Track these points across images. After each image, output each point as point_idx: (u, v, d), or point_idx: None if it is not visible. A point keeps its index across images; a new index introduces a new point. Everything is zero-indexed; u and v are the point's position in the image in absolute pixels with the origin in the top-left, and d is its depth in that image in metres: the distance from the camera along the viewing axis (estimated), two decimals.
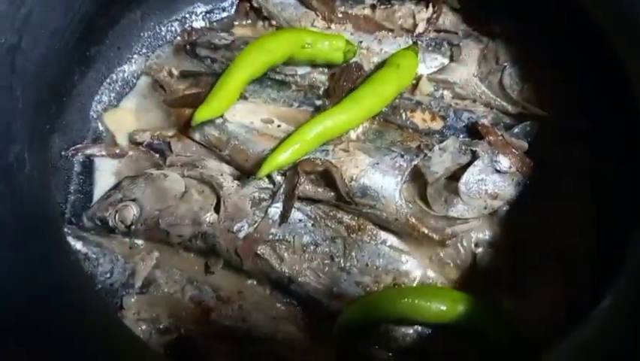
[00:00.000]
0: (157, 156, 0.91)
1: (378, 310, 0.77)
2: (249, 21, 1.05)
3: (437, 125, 0.88)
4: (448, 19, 0.96)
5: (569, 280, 0.79)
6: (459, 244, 0.81)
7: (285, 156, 0.77)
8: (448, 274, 0.82)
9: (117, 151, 0.92)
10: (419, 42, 0.94)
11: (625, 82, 0.73)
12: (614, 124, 0.80)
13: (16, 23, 0.61)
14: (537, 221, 0.81)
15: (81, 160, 0.92)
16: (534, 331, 0.76)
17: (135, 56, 0.99)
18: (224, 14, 1.06)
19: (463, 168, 0.80)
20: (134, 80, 0.98)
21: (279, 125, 0.86)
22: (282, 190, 0.81)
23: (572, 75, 0.86)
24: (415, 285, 0.80)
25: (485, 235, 0.82)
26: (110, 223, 0.84)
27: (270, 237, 0.80)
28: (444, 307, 0.75)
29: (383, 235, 0.82)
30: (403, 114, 0.88)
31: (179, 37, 1.01)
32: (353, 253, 0.81)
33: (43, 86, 0.70)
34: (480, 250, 0.81)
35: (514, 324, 0.76)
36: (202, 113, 0.81)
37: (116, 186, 0.86)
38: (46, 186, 0.74)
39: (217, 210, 0.82)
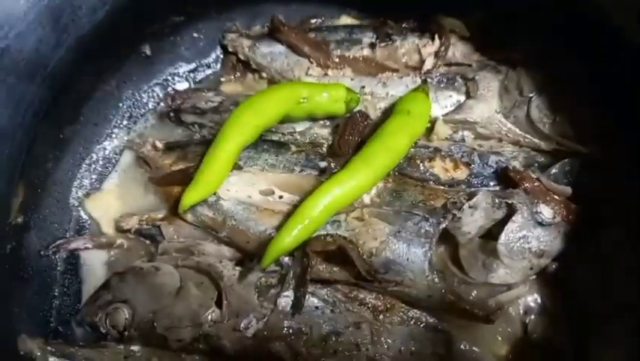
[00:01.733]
0: (148, 242, 0.81)
1: None
2: (238, 74, 0.96)
3: (462, 174, 0.77)
4: (458, 50, 0.86)
5: (633, 342, 0.66)
6: (506, 315, 0.69)
7: (290, 239, 0.66)
8: (498, 350, 0.70)
9: (104, 241, 0.82)
10: (429, 80, 0.83)
11: None
12: None
13: None
14: (594, 277, 0.69)
15: (64, 257, 0.82)
16: None
17: (115, 130, 0.90)
18: (209, 71, 0.97)
19: (500, 223, 0.69)
20: (116, 158, 0.88)
21: (280, 197, 0.75)
22: (291, 274, 0.70)
23: (610, 100, 0.75)
24: None
25: (535, 300, 0.71)
26: (102, 329, 0.73)
27: (284, 331, 0.69)
28: None
29: (416, 313, 0.70)
30: (421, 165, 0.77)
31: (162, 104, 0.92)
32: (382, 339, 0.69)
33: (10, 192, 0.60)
34: (531, 318, 0.70)
35: None
36: (190, 197, 0.71)
37: (104, 286, 0.76)
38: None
39: (219, 304, 0.71)
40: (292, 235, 0.66)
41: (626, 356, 0.67)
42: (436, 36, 0.85)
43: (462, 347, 0.69)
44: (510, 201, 0.69)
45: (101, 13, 0.73)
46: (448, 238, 0.71)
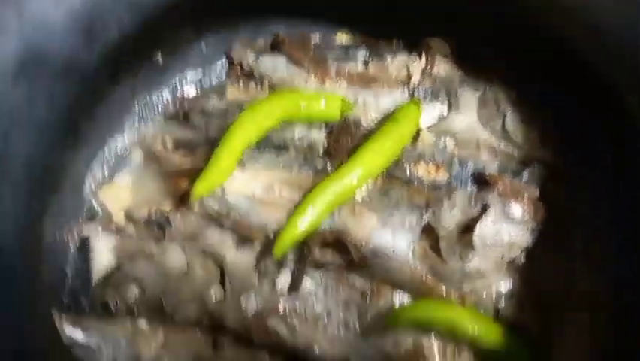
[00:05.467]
0: (156, 230, 0.88)
1: (434, 312, 0.74)
2: (242, 84, 1.04)
3: (443, 176, 0.85)
4: (442, 68, 0.95)
5: (597, 330, 0.75)
6: (480, 300, 0.77)
7: (296, 232, 0.74)
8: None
9: (114, 228, 0.89)
10: (415, 93, 0.93)
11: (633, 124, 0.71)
12: (626, 167, 0.78)
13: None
14: (559, 269, 0.78)
15: (77, 241, 0.88)
16: None
17: (127, 129, 0.97)
18: (215, 80, 1.04)
19: (475, 219, 0.78)
20: (128, 154, 0.95)
21: (281, 192, 0.83)
22: (288, 259, 0.77)
23: (576, 118, 0.84)
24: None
25: (506, 286, 0.78)
26: (112, 306, 0.80)
27: (281, 309, 0.76)
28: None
29: (399, 296, 0.78)
30: (407, 168, 0.86)
31: (171, 107, 1.00)
32: (369, 318, 0.76)
33: (32, 184, 0.67)
34: (502, 303, 0.78)
35: None
36: (200, 189, 0.78)
37: (115, 267, 0.82)
38: (39, 277, 0.70)
39: (222, 284, 0.78)
40: (299, 227, 0.74)
41: (590, 343, 0.75)
42: (423, 55, 0.95)
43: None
44: (485, 200, 0.78)
45: (126, 24, 0.81)
46: (429, 232, 0.79)
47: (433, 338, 0.75)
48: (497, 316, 0.77)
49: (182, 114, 0.96)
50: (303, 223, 0.75)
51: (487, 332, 0.73)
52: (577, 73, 0.80)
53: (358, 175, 0.79)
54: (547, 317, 0.76)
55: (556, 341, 0.76)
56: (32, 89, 0.62)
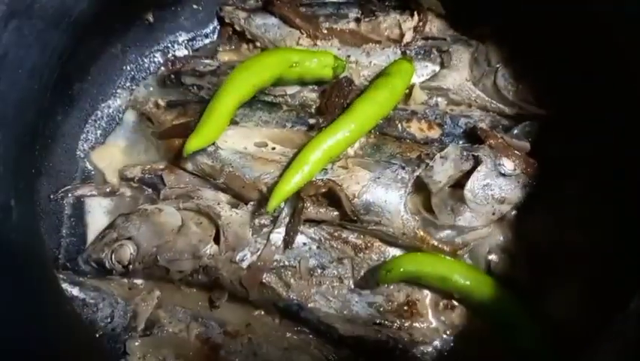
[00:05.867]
0: (150, 190, 0.88)
1: (426, 266, 0.75)
2: (234, 44, 1.03)
3: (435, 133, 0.86)
4: (434, 25, 0.95)
5: (586, 282, 0.76)
6: (472, 253, 0.79)
7: (292, 184, 0.74)
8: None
9: (108, 189, 0.89)
10: (408, 52, 0.92)
11: (623, 74, 0.71)
12: (614, 118, 0.78)
13: None
14: (549, 222, 0.79)
15: (71, 202, 0.88)
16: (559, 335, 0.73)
17: (119, 90, 0.97)
18: (207, 40, 1.04)
19: (467, 174, 0.78)
20: (120, 115, 0.95)
21: (273, 148, 0.84)
22: (283, 214, 0.78)
23: (567, 71, 0.84)
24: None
25: (498, 241, 0.79)
26: (107, 265, 0.80)
27: (275, 264, 0.77)
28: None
29: (392, 250, 0.79)
30: (399, 125, 0.86)
31: (162, 68, 0.99)
32: (362, 273, 0.78)
33: (24, 129, 0.67)
34: (493, 257, 0.79)
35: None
36: (193, 143, 0.78)
37: (110, 226, 0.83)
38: (36, 233, 0.71)
39: (217, 240, 0.79)
40: (293, 181, 0.74)
41: (580, 294, 0.76)
42: (415, 13, 0.94)
43: None
44: (476, 154, 0.78)
45: None
46: (421, 187, 0.79)
47: (425, 292, 0.76)
48: (489, 269, 0.78)
49: (174, 75, 0.95)
50: (297, 178, 0.75)
51: (479, 285, 0.74)
52: (572, 27, 0.80)
53: (351, 129, 0.79)
54: (538, 270, 0.77)
55: (546, 293, 0.77)
56: (23, 35, 0.61)
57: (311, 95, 0.92)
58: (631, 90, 0.75)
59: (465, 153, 0.78)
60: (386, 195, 0.77)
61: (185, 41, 1.03)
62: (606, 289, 0.71)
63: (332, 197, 0.77)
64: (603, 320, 0.69)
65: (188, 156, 0.81)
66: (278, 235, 0.78)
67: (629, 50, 0.70)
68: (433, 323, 0.76)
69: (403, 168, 0.79)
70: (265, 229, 0.79)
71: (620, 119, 0.78)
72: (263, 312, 0.79)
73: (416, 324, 0.75)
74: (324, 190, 0.76)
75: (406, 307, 0.76)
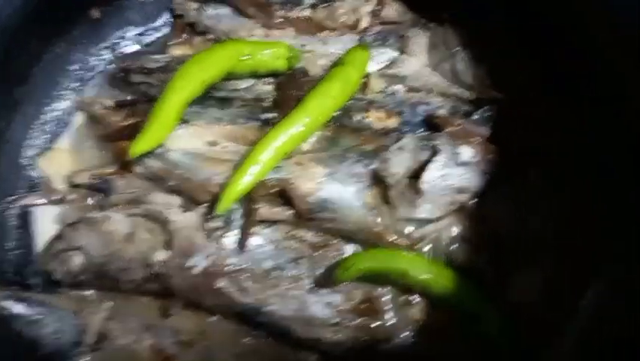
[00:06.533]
0: (99, 196, 0.84)
1: (384, 261, 0.72)
2: (186, 37, 0.99)
3: (393, 122, 0.83)
4: (392, 9, 0.91)
5: (549, 270, 0.74)
6: (432, 246, 0.76)
7: (242, 185, 0.71)
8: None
9: (55, 197, 0.85)
10: (365, 38, 0.89)
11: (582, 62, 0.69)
12: (574, 105, 0.75)
13: None
14: (510, 210, 0.76)
15: (17, 213, 0.84)
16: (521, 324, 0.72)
17: (65, 92, 0.92)
18: (158, 35, 0.99)
19: (425, 164, 0.75)
20: (67, 118, 0.91)
21: (225, 147, 0.80)
22: (235, 216, 0.75)
23: (527, 55, 0.81)
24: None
25: (457, 231, 0.76)
26: (56, 276, 0.77)
27: (229, 268, 0.74)
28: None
29: (350, 248, 0.76)
30: (356, 116, 0.83)
31: (110, 66, 0.95)
32: (320, 272, 0.75)
33: None
34: (454, 248, 0.76)
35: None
36: (140, 146, 0.75)
37: (58, 236, 0.79)
38: None
39: (168, 246, 0.75)
40: (243, 182, 0.71)
41: (542, 283, 0.74)
42: None
43: None
44: (434, 143, 0.75)
45: None
46: (380, 180, 0.76)
47: (384, 289, 0.74)
48: (449, 261, 0.75)
49: (122, 73, 0.91)
50: (247, 177, 0.72)
51: (439, 278, 0.72)
52: (528, 10, 0.77)
53: (305, 123, 0.76)
54: (499, 258, 0.75)
55: (508, 281, 0.75)
56: None
57: (265, 88, 0.88)
58: (595, 71, 0.73)
59: (422, 143, 0.75)
60: (342, 191, 0.74)
61: (135, 36, 0.98)
62: (567, 276, 0.69)
63: (285, 196, 0.74)
64: (565, 307, 0.67)
65: (136, 158, 0.77)
66: (231, 238, 0.75)
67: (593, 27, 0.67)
68: (393, 320, 0.73)
69: (360, 161, 0.76)
70: (218, 232, 0.75)
71: (584, 104, 0.76)
72: (218, 318, 0.76)
73: (376, 322, 0.72)
74: (275, 190, 0.72)
75: (364, 305, 0.73)
